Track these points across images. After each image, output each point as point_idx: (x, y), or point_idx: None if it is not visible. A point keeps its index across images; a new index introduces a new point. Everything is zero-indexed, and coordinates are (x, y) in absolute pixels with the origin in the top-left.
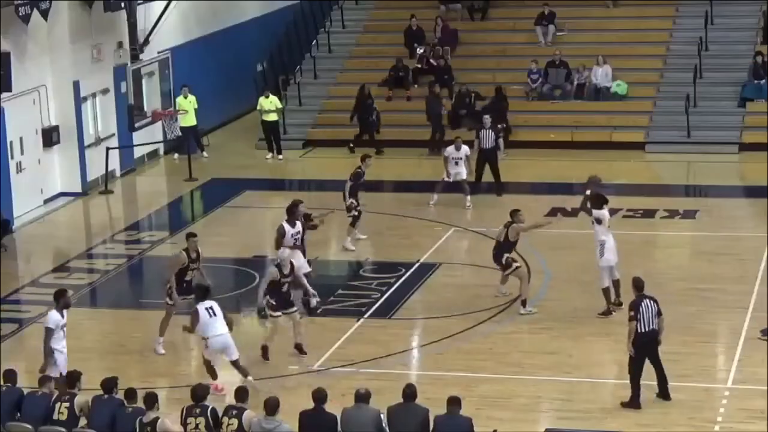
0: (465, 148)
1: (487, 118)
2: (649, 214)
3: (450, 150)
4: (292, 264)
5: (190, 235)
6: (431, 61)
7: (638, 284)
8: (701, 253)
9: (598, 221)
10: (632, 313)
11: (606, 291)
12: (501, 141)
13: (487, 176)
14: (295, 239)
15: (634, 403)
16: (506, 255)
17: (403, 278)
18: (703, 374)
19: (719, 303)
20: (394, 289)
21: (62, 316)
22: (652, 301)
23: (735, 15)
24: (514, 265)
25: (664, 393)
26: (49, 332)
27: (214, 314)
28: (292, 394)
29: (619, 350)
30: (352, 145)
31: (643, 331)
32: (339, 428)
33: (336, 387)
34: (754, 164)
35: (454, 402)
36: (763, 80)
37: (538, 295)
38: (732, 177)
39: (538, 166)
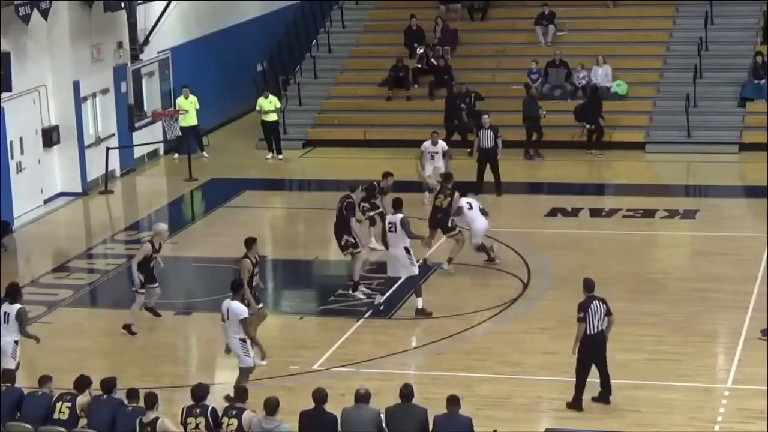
0: (442, 144)
1: (485, 118)
2: (649, 214)
3: (426, 144)
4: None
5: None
6: (431, 61)
7: (588, 285)
8: (701, 253)
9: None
10: (581, 315)
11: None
12: (500, 140)
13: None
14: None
15: (576, 404)
16: (452, 219)
17: (403, 278)
18: (703, 374)
19: (719, 303)
20: (394, 289)
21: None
22: (601, 303)
23: (735, 15)
24: (458, 229)
25: (605, 397)
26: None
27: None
28: (292, 394)
29: (619, 350)
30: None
31: (591, 333)
32: (339, 428)
33: (336, 387)
34: (754, 164)
35: (453, 402)
36: (763, 80)
37: (539, 295)
38: (732, 177)
39: (539, 166)
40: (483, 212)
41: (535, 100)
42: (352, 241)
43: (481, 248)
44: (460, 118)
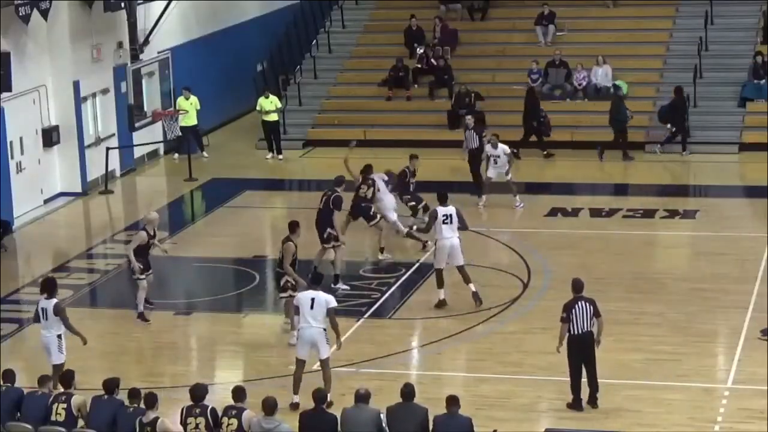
0: (503, 147)
1: (469, 119)
2: (649, 214)
3: (487, 148)
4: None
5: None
6: (431, 61)
7: (576, 285)
8: (701, 253)
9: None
10: (564, 315)
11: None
12: (485, 141)
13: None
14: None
15: (575, 404)
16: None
17: (403, 278)
18: (703, 374)
19: (719, 303)
20: (394, 289)
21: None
22: (588, 303)
23: (735, 15)
24: (379, 216)
25: (592, 399)
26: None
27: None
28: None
29: (619, 350)
30: (516, 150)
31: (575, 333)
32: (339, 428)
33: (336, 387)
34: (754, 164)
35: (453, 402)
36: (763, 80)
37: (539, 295)
38: (732, 177)
39: (538, 166)
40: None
41: (623, 102)
42: (334, 234)
43: (409, 235)
44: (539, 118)
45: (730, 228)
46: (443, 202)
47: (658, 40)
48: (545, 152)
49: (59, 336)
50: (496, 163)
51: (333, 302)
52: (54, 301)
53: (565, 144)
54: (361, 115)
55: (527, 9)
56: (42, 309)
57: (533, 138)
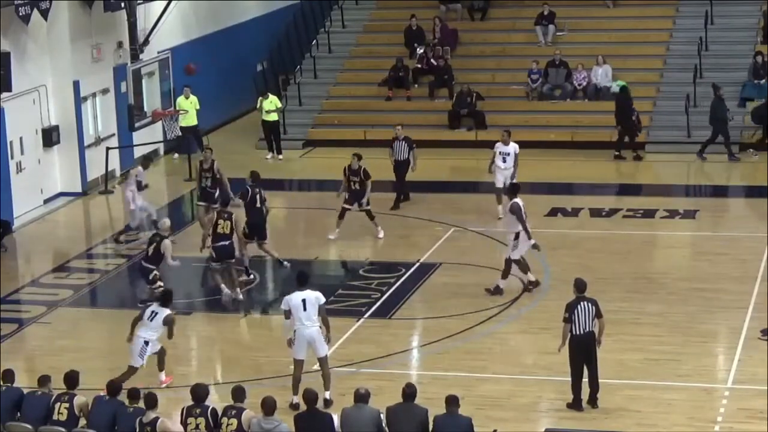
0: (514, 145)
1: (398, 128)
2: (649, 214)
3: (498, 145)
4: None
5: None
6: (431, 61)
7: (579, 286)
8: (701, 253)
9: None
10: (566, 315)
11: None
12: (414, 152)
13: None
14: None
15: (575, 404)
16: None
17: (403, 278)
18: (703, 374)
19: (719, 303)
20: (394, 289)
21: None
22: (590, 304)
23: (735, 15)
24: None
25: (592, 399)
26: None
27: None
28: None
29: (619, 350)
30: (617, 152)
31: (577, 333)
32: (338, 428)
33: (336, 387)
34: (754, 164)
35: (452, 402)
36: (763, 80)
37: (539, 296)
38: (732, 177)
39: (538, 166)
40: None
41: (723, 101)
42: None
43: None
44: (630, 118)
45: (730, 228)
46: (512, 194)
47: (658, 40)
48: (635, 153)
49: (146, 342)
50: (504, 161)
51: (322, 298)
52: (167, 311)
53: (565, 144)
54: (361, 115)
55: (527, 9)
56: (152, 312)
57: (626, 138)
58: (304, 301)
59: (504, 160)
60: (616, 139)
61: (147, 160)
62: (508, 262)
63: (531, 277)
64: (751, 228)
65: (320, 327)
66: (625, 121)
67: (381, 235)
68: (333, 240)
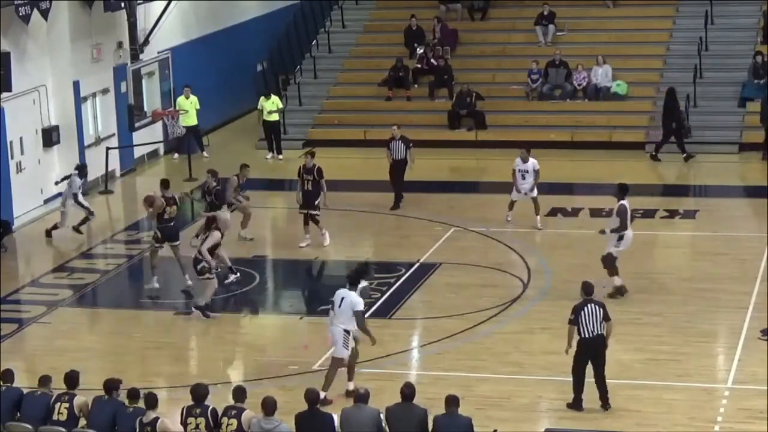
0: (533, 161)
1: (395, 128)
2: (649, 214)
3: (517, 162)
4: None
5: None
6: (431, 61)
7: (586, 288)
8: (701, 253)
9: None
10: (572, 317)
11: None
12: (411, 151)
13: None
14: None
15: (575, 404)
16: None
17: (403, 278)
18: (703, 374)
19: (719, 303)
20: (394, 289)
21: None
22: (597, 307)
23: (735, 15)
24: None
25: (604, 401)
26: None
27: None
28: (292, 394)
29: (619, 350)
30: (654, 153)
31: (584, 336)
32: (338, 428)
33: (336, 387)
34: (754, 164)
35: (452, 402)
36: (763, 80)
37: (539, 296)
38: (732, 177)
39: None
40: None
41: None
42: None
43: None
44: (679, 119)
45: (730, 228)
46: (622, 195)
47: (658, 40)
48: (684, 154)
49: (347, 331)
50: (524, 178)
51: (358, 306)
52: (355, 292)
53: (565, 144)
54: (361, 115)
55: (527, 9)
56: (341, 298)
57: (672, 139)
58: (342, 299)
59: (523, 177)
60: (660, 140)
61: (84, 168)
62: (610, 258)
63: (618, 281)
64: (751, 228)
65: (347, 331)
66: (672, 122)
67: (327, 243)
68: (327, 245)
